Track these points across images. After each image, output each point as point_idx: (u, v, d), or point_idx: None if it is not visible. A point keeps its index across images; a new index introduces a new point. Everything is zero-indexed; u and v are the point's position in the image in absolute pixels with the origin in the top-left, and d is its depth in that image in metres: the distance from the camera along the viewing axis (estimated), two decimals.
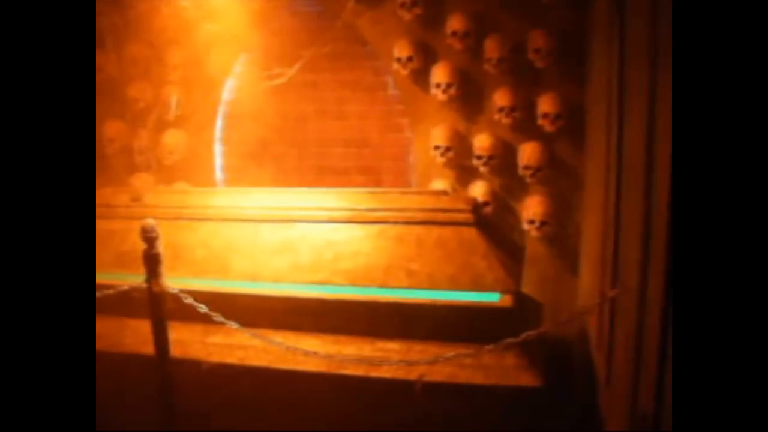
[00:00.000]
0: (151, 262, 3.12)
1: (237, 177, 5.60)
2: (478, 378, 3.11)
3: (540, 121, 4.62)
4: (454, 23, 4.70)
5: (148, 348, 3.28)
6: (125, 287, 3.33)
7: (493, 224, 4.10)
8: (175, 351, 3.28)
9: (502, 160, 4.79)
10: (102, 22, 5.27)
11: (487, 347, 2.95)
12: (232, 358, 3.41)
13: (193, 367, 3.38)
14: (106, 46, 5.36)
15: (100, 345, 3.59)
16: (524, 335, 2.86)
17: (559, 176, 4.75)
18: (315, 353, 3.12)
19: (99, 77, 5.43)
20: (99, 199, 4.42)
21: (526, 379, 3.09)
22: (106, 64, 5.41)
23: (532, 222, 4.71)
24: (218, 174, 5.63)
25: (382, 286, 3.45)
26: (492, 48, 4.65)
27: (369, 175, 5.35)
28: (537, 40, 4.53)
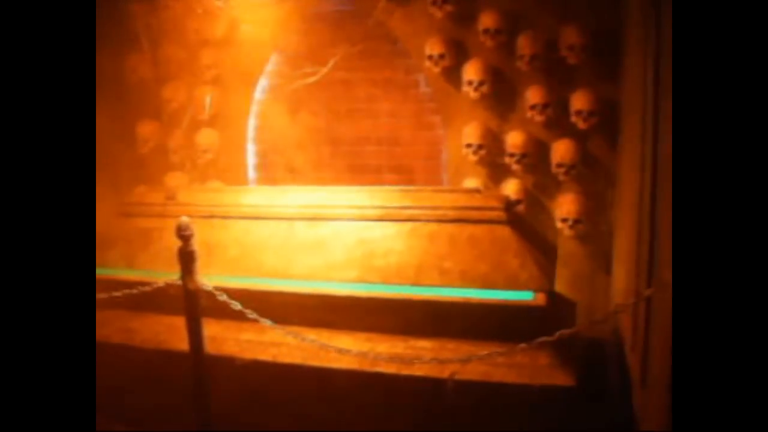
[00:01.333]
0: (186, 259, 3.16)
1: (269, 175, 5.64)
2: (510, 377, 3.09)
3: (573, 119, 4.58)
4: (486, 20, 4.68)
5: (183, 344, 3.32)
6: (160, 284, 3.37)
7: (526, 222, 4.07)
8: (209, 347, 3.32)
9: (535, 157, 4.76)
10: (137, 24, 5.35)
11: (520, 346, 2.93)
12: (266, 355, 3.43)
13: (227, 363, 3.41)
14: (142, 47, 5.43)
15: (135, 340, 3.67)
16: (558, 334, 2.83)
17: (592, 174, 4.70)
18: (348, 351, 3.13)
19: (133, 78, 5.52)
20: (134, 198, 4.50)
21: (560, 378, 3.06)
22: (140, 65, 5.49)
23: (565, 220, 4.68)
24: (251, 172, 5.67)
25: (415, 284, 3.45)
26: (524, 45, 4.62)
27: (401, 173, 5.35)
28: (570, 36, 4.49)
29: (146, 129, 5.58)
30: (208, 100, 5.42)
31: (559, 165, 4.63)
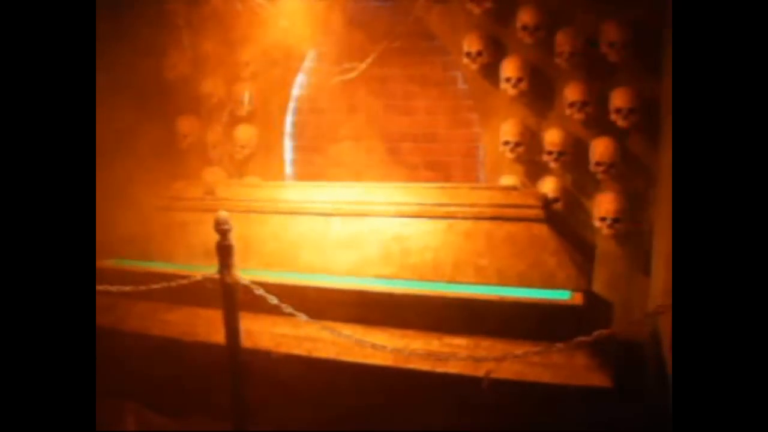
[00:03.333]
0: (224, 253, 3.19)
1: (306, 171, 5.67)
2: (546, 376, 3.06)
3: (613, 116, 4.52)
4: (525, 17, 4.64)
5: (219, 337, 3.36)
6: (198, 277, 3.41)
7: (564, 221, 4.03)
8: (245, 341, 3.35)
9: (573, 155, 4.71)
10: (178, 21, 5.42)
11: (557, 346, 2.90)
12: (300, 350, 3.45)
13: (262, 357, 3.44)
14: (182, 43, 5.50)
15: (173, 332, 3.71)
16: (596, 334, 2.80)
17: (632, 172, 4.63)
18: (383, 347, 3.13)
19: (173, 74, 5.58)
20: (173, 192, 4.56)
21: (597, 379, 3.02)
22: (180, 61, 5.55)
23: (603, 219, 4.62)
24: (287, 168, 5.70)
25: (451, 281, 3.44)
26: (564, 41, 4.57)
27: (437, 170, 5.32)
28: (611, 32, 4.43)
29: (185, 124, 5.64)
30: (246, 96, 5.47)
31: (598, 163, 4.57)
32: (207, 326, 3.65)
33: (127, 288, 3.59)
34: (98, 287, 3.71)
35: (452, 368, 3.14)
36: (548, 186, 4.75)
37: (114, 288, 3.60)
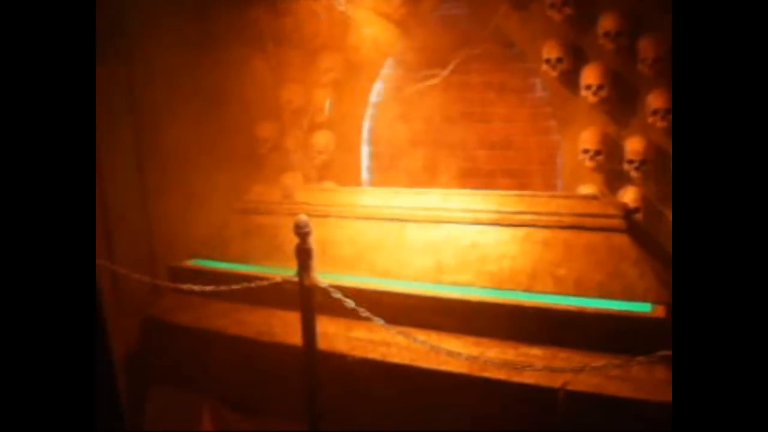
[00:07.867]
0: (303, 256, 3.24)
1: (383, 177, 5.70)
2: (625, 391, 2.99)
3: None
4: (607, 23, 4.55)
5: (296, 339, 3.41)
6: (277, 279, 3.48)
7: (645, 231, 3.93)
8: (321, 343, 3.39)
9: (655, 164, 4.57)
10: (262, 29, 5.55)
11: (637, 359, 2.83)
12: (375, 354, 3.47)
13: (337, 359, 3.48)
14: (266, 50, 5.63)
15: (250, 332, 3.80)
16: None
17: None
18: (458, 354, 3.12)
19: (255, 80, 5.71)
20: (252, 196, 4.67)
21: None
22: (262, 68, 5.68)
23: None
24: (364, 174, 5.75)
25: (528, 290, 3.40)
26: (647, 48, 4.45)
27: (514, 178, 5.27)
28: None
29: (266, 130, 5.76)
30: (327, 103, 5.54)
31: None
32: (284, 327, 3.71)
33: (208, 288, 3.70)
34: (180, 286, 3.85)
35: (528, 378, 3.10)
36: (629, 196, 4.64)
37: (196, 287, 3.72)
